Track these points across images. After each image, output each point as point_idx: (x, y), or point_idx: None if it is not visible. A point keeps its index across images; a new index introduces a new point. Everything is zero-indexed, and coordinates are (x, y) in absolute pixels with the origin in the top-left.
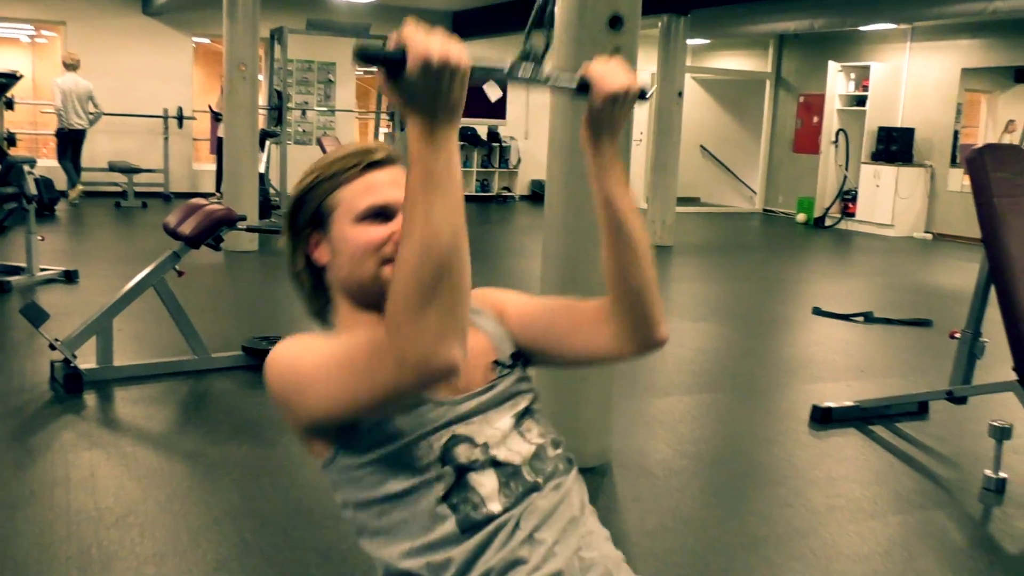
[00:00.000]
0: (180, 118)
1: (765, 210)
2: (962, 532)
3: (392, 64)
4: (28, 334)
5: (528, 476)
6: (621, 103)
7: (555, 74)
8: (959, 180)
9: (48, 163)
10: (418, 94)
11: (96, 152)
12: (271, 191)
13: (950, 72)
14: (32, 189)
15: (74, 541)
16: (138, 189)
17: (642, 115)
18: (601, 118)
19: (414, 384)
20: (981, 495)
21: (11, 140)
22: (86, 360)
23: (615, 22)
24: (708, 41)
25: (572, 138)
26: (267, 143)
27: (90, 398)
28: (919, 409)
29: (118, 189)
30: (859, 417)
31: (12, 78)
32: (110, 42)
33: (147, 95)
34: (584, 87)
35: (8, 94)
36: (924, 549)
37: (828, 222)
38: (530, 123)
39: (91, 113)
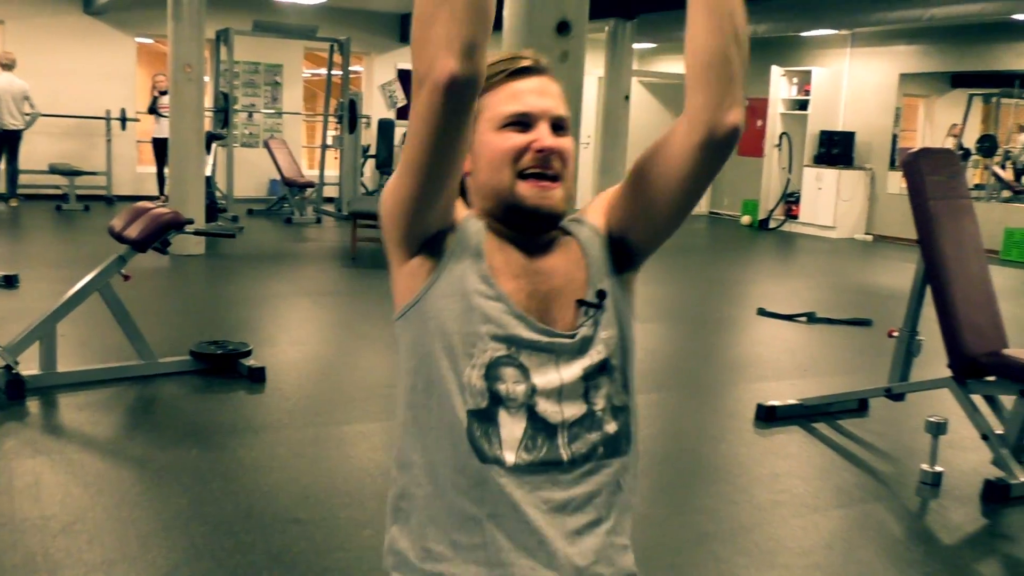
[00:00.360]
0: (123, 120)
1: (711, 212)
2: (900, 524)
3: None
4: None
5: (560, 445)
6: None
7: None
8: (898, 183)
9: None
10: None
11: (36, 154)
12: (217, 194)
13: (889, 77)
14: None
15: (19, 549)
16: (80, 192)
17: (589, 118)
18: None
19: (430, 100)
20: (918, 488)
21: None
22: (29, 366)
23: (562, 27)
24: (654, 45)
25: None
26: (213, 146)
27: (33, 405)
28: (859, 406)
29: (59, 192)
30: (802, 415)
31: None
32: (50, 42)
33: (89, 96)
34: None
35: None
36: (864, 541)
37: (772, 224)
38: None
39: (27, 114)
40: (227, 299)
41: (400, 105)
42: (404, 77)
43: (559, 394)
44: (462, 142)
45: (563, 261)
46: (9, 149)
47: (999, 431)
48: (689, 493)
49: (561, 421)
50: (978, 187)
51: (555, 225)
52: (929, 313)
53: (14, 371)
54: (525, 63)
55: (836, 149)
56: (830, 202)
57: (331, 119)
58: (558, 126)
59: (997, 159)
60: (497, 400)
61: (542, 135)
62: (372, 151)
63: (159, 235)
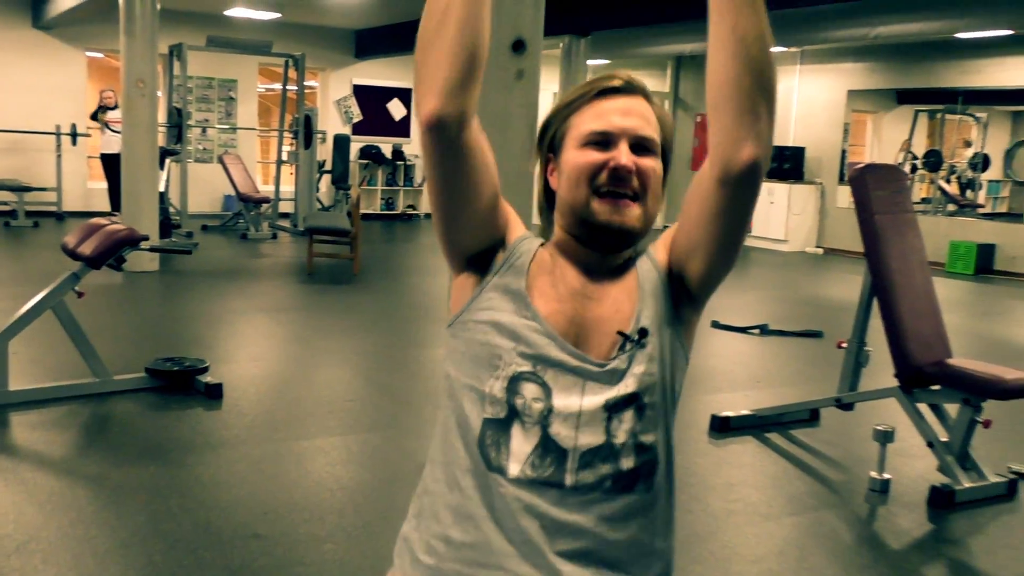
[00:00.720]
0: (74, 135)
1: (666, 227)
2: (850, 530)
3: None
4: None
5: (567, 470)
6: None
7: None
8: (847, 197)
9: None
10: None
11: None
12: (171, 210)
13: (837, 93)
14: None
15: None
16: (29, 208)
17: None
18: None
19: (423, 138)
20: (867, 495)
21: None
22: None
23: (518, 46)
24: (608, 61)
25: None
26: (167, 161)
27: None
28: (811, 416)
29: (7, 208)
30: (755, 425)
31: None
32: None
33: (38, 111)
34: None
35: None
36: (815, 548)
37: None
38: None
39: None
40: (183, 316)
41: (356, 121)
42: (359, 93)
43: (577, 419)
44: (463, 175)
45: (618, 289)
46: None
47: (944, 439)
48: None
49: (573, 447)
50: (924, 201)
51: (630, 243)
52: (877, 324)
53: None
54: (615, 83)
55: (787, 164)
56: (782, 216)
57: (286, 134)
58: (641, 147)
59: (942, 173)
60: (514, 413)
61: (620, 154)
62: (328, 167)
63: (114, 252)
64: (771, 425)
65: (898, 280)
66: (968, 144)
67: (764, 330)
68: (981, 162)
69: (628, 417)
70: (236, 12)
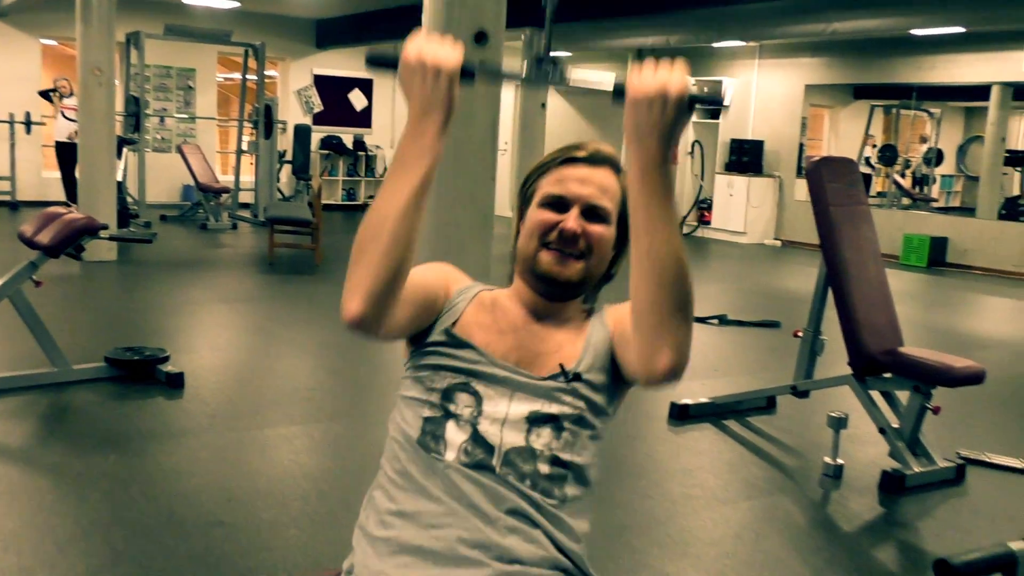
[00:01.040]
0: (28, 123)
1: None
2: (804, 514)
3: (390, 64)
4: None
5: (495, 461)
6: (651, 108)
7: (584, 76)
8: (805, 190)
9: None
10: (406, 88)
11: None
12: (129, 200)
13: (795, 88)
14: None
15: None
16: None
17: (507, 125)
18: (633, 123)
19: (346, 326)
20: (821, 480)
21: None
22: None
23: (480, 37)
24: (569, 54)
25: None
26: (124, 150)
27: None
28: (767, 404)
29: None
30: (713, 413)
31: None
32: None
33: None
34: (620, 90)
35: None
36: (770, 531)
37: (686, 230)
38: (396, 132)
39: None
40: (142, 306)
41: (316, 111)
42: (320, 83)
43: (502, 423)
44: (395, 329)
45: (564, 335)
46: None
47: (895, 425)
48: (606, 489)
49: (499, 444)
50: (880, 195)
51: (570, 294)
52: (832, 314)
53: None
54: (580, 153)
55: (746, 157)
56: (741, 208)
57: (246, 124)
58: (594, 214)
59: (897, 168)
60: (448, 414)
61: (569, 218)
62: (288, 157)
63: (73, 240)
64: (729, 413)
65: (852, 271)
66: (924, 140)
67: (723, 320)
68: (934, 157)
69: (546, 433)
70: (195, 0)
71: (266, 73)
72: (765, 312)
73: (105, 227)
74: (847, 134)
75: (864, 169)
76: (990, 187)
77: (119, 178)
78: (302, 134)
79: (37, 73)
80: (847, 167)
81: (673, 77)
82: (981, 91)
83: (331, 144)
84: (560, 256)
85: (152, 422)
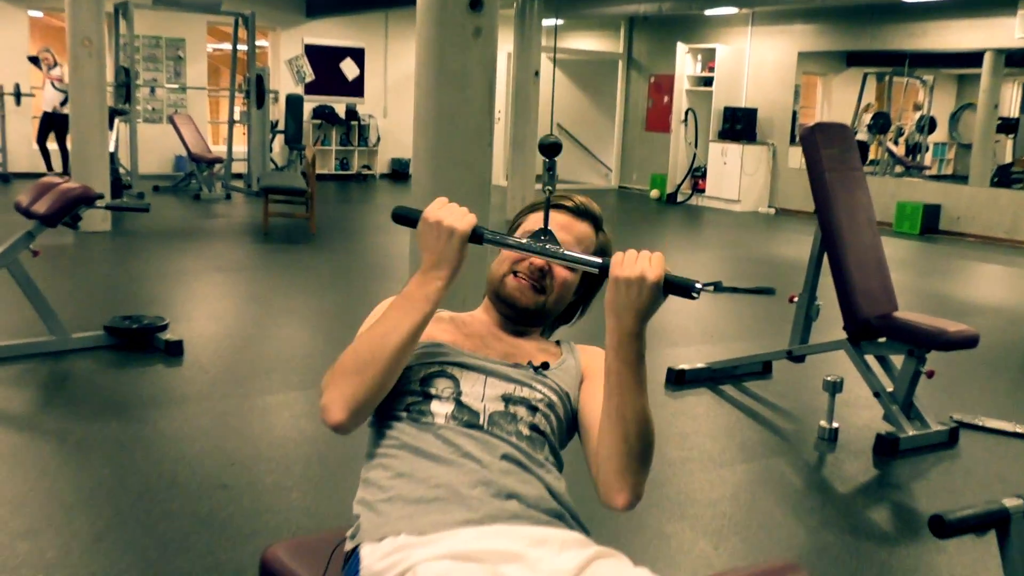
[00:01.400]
0: (18, 95)
1: (620, 187)
2: (800, 476)
3: (411, 221)
4: None
5: (481, 421)
6: (630, 290)
7: (576, 254)
8: (798, 158)
9: None
10: (422, 242)
11: None
12: (121, 170)
13: (788, 56)
14: None
15: None
16: None
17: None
18: (613, 300)
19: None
20: (816, 443)
21: None
22: None
23: (475, 3)
24: (561, 22)
25: (437, 113)
26: (116, 121)
27: None
28: (763, 368)
29: None
30: (710, 378)
31: None
32: None
33: None
34: (605, 271)
35: None
36: (766, 493)
37: (680, 198)
38: (388, 101)
39: None
40: (138, 276)
41: (308, 80)
42: (311, 52)
43: (482, 399)
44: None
45: (532, 346)
46: None
47: (890, 389)
48: None
49: (482, 410)
50: (873, 163)
51: (528, 322)
52: (827, 280)
53: None
54: (567, 203)
55: (740, 125)
56: (735, 176)
57: (237, 94)
58: None
59: (890, 135)
60: (430, 397)
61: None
62: (281, 127)
63: (69, 210)
64: (725, 377)
65: (847, 236)
66: (918, 108)
67: (718, 287)
68: (927, 125)
69: (522, 411)
70: None
71: (256, 43)
72: (760, 279)
73: (101, 196)
74: (840, 102)
75: (862, 136)
76: (982, 154)
77: (111, 149)
78: (294, 104)
79: (25, 45)
80: (842, 133)
81: (652, 265)
82: (974, 58)
83: (323, 114)
84: (524, 285)
85: (152, 389)
